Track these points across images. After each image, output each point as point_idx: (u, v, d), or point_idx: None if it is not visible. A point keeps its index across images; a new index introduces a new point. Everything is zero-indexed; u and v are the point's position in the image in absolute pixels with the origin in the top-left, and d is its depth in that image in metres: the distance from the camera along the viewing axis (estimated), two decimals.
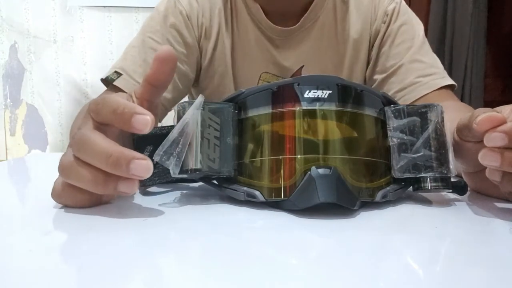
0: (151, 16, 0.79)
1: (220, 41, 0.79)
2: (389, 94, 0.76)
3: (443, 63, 0.82)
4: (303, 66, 0.80)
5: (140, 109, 0.33)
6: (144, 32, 0.77)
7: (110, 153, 0.32)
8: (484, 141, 0.34)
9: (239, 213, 0.37)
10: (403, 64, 0.77)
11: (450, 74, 0.82)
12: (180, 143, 0.35)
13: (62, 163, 0.35)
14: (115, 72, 0.74)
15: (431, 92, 0.74)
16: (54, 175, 0.38)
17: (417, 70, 0.76)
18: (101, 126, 0.35)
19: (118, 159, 0.32)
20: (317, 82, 0.38)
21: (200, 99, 0.37)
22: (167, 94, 0.75)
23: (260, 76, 0.80)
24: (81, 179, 0.34)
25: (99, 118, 0.35)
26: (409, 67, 0.77)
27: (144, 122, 0.33)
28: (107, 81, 0.75)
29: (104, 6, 2.10)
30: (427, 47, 0.80)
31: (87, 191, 0.35)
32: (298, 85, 0.38)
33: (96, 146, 0.33)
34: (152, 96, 0.38)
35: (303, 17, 0.78)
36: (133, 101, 0.37)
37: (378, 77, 0.80)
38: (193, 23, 0.78)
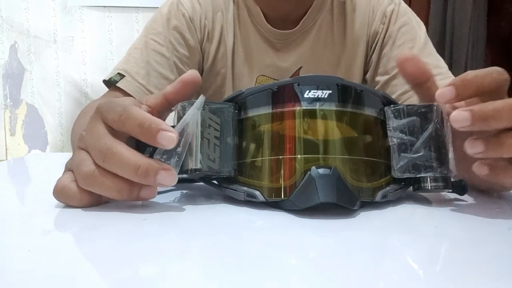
0: (154, 18, 0.79)
1: (222, 44, 0.79)
2: (393, 96, 0.76)
3: None
4: (301, 67, 0.80)
5: (165, 125, 0.34)
6: (146, 34, 0.78)
7: (139, 165, 0.34)
8: (436, 97, 0.35)
9: (239, 213, 0.37)
10: None
11: None
12: (180, 143, 0.35)
13: (83, 172, 0.35)
14: (118, 73, 0.74)
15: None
16: (54, 175, 0.38)
17: None
18: (113, 131, 0.36)
19: (147, 170, 0.34)
20: (317, 82, 0.38)
21: (201, 99, 0.37)
22: None
23: (256, 79, 0.81)
24: (107, 189, 0.35)
25: (123, 129, 0.35)
26: None
27: (169, 139, 0.34)
28: (110, 83, 0.75)
29: (104, 6, 2.10)
30: (430, 47, 0.79)
31: (93, 192, 0.35)
32: (298, 85, 0.38)
33: (124, 158, 0.34)
34: (165, 109, 0.39)
35: (302, 20, 0.78)
36: (140, 107, 0.37)
37: (380, 79, 0.79)
38: (196, 25, 0.78)
